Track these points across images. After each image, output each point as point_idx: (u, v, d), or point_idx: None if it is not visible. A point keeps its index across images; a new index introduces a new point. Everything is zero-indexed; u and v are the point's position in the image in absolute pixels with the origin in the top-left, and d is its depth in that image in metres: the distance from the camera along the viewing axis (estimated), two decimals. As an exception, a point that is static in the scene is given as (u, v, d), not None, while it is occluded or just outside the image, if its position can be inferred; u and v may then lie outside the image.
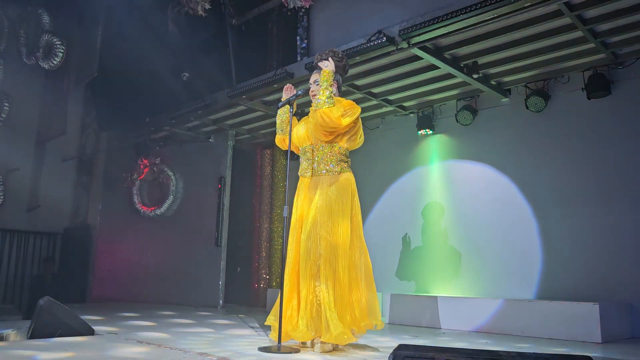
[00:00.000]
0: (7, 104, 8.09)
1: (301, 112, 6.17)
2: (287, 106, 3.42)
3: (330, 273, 3.03)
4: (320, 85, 3.17)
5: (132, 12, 7.65)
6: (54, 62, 7.80)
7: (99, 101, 8.45)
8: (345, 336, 2.93)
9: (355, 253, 3.23)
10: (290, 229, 3.29)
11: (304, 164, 3.35)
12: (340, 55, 3.39)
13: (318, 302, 2.99)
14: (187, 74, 7.21)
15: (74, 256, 8.70)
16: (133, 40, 7.55)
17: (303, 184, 3.34)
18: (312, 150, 3.30)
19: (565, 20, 4.08)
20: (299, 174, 3.37)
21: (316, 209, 3.15)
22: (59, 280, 8.37)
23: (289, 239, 3.26)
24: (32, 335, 3.41)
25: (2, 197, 7.87)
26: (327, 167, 3.25)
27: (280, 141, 3.53)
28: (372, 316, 3.15)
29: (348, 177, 3.30)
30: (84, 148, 9.39)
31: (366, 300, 3.17)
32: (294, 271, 3.17)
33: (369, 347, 3.30)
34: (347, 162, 3.33)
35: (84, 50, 8.81)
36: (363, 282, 3.20)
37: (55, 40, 7.59)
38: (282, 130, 3.48)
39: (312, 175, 3.29)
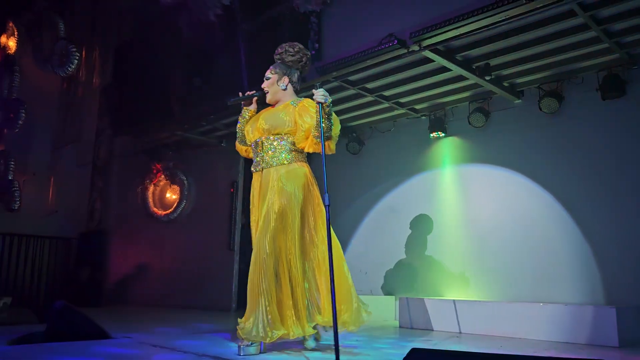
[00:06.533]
0: (23, 111, 8.22)
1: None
2: (243, 119, 3.38)
3: (282, 270, 3.01)
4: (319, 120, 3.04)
5: (145, 19, 7.73)
6: (69, 68, 7.91)
7: (113, 106, 8.54)
8: (291, 334, 2.92)
9: (310, 247, 3.16)
10: (252, 228, 3.24)
11: (256, 159, 3.27)
12: (295, 50, 3.37)
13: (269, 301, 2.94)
14: (199, 79, 7.27)
15: (89, 261, 8.78)
16: (146, 47, 7.64)
17: (255, 179, 3.26)
18: (262, 144, 3.22)
19: (578, 21, 4.03)
20: (253, 169, 3.30)
21: (267, 204, 3.08)
22: (74, 285, 8.46)
23: (253, 239, 3.20)
24: (47, 339, 3.45)
25: (18, 202, 7.98)
26: (278, 159, 3.17)
27: (242, 150, 3.49)
28: (345, 310, 3.07)
29: (300, 166, 3.21)
30: (99, 153, 9.49)
31: (328, 291, 3.08)
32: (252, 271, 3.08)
33: (382, 350, 3.28)
34: (299, 151, 3.23)
35: (98, 56, 8.92)
36: (322, 275, 3.13)
37: (70, 47, 7.69)
38: (243, 142, 3.43)
39: (262, 169, 3.21)
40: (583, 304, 4.41)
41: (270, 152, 3.18)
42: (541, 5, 3.76)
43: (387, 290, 5.94)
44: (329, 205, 2.73)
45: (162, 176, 8.37)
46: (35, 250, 8.38)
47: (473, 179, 5.59)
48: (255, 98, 3.38)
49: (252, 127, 3.32)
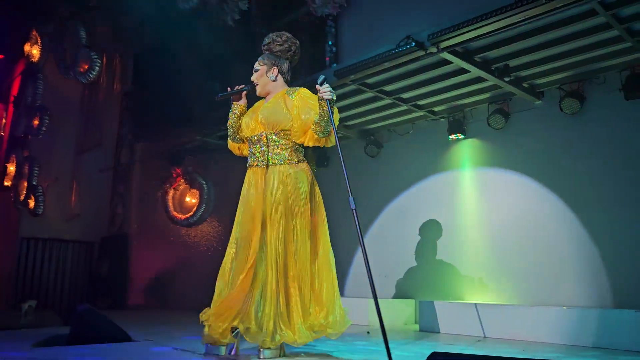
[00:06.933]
0: (46, 117, 8.38)
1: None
2: (234, 115, 3.26)
3: (293, 273, 2.90)
4: (325, 117, 2.93)
5: (164, 26, 7.84)
6: (91, 75, 8.03)
7: (134, 112, 8.67)
8: (299, 339, 2.81)
9: (318, 249, 3.05)
10: (239, 225, 3.08)
11: (256, 154, 3.10)
12: (282, 39, 3.24)
13: (280, 304, 2.85)
14: (217, 84, 7.34)
15: (111, 264, 8.91)
16: (165, 53, 7.74)
17: (255, 175, 3.11)
18: (266, 139, 3.07)
19: (599, 20, 3.97)
20: (250, 164, 3.15)
21: (274, 204, 2.95)
22: (97, 288, 8.59)
23: (236, 235, 3.06)
24: (71, 342, 3.50)
25: (42, 207, 8.13)
26: (284, 157, 3.04)
27: (235, 148, 3.38)
28: (325, 315, 2.97)
29: (306, 167, 3.11)
30: (120, 158, 9.63)
31: (327, 299, 3.00)
32: (247, 270, 2.93)
33: (402, 354, 3.25)
34: (302, 151, 3.14)
35: (119, 63, 9.07)
36: (324, 281, 3.03)
37: (92, 54, 7.82)
38: (235, 139, 3.31)
39: (267, 166, 3.06)
40: (608, 307, 4.33)
41: (276, 149, 3.05)
42: (561, 4, 3.71)
43: (407, 294, 5.90)
44: (355, 209, 2.68)
45: (182, 180, 8.46)
46: (58, 254, 8.53)
47: (493, 181, 5.54)
48: (244, 92, 3.26)
49: (250, 118, 3.16)
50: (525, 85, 5.12)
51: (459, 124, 5.76)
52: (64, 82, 8.65)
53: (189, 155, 8.35)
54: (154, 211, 8.86)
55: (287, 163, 3.04)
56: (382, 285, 6.00)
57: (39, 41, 9.03)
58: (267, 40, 3.27)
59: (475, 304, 4.66)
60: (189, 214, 8.20)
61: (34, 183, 8.28)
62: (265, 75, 3.19)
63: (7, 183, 9.26)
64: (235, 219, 3.13)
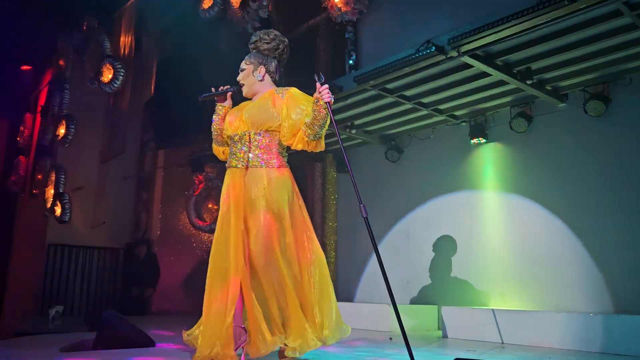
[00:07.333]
0: (72, 126, 8.57)
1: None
2: (217, 116, 3.12)
3: (280, 283, 2.78)
4: (319, 122, 2.82)
5: (187, 34, 7.96)
6: (115, 84, 8.19)
7: (157, 120, 8.80)
8: (311, 343, 2.71)
9: (308, 256, 2.91)
10: (221, 229, 2.91)
11: (237, 154, 2.93)
12: (270, 37, 3.11)
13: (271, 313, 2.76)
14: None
15: (136, 270, 9.04)
16: (187, 60, 7.86)
17: (234, 176, 2.92)
18: (249, 139, 2.92)
19: (625, 20, 3.89)
20: (230, 165, 2.98)
21: (256, 211, 2.81)
22: (122, 294, 8.72)
23: (218, 239, 2.93)
24: (96, 346, 3.56)
25: (68, 214, 8.30)
26: (266, 159, 2.89)
27: (219, 153, 3.20)
28: (326, 325, 2.86)
29: (287, 172, 2.95)
30: (143, 166, 9.78)
31: (324, 308, 2.88)
32: (225, 275, 2.88)
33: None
34: (286, 156, 3.00)
35: (142, 72, 9.23)
36: (321, 289, 2.89)
37: (115, 64, 7.98)
38: (219, 142, 3.14)
39: (247, 167, 2.89)
40: (627, 313, 4.22)
41: (258, 149, 2.89)
42: (584, 5, 3.65)
43: (429, 300, 5.85)
44: (366, 217, 2.61)
45: (204, 187, 8.55)
46: (84, 261, 8.71)
47: (515, 186, 5.46)
48: (230, 93, 3.12)
49: (234, 117, 3.00)
50: (548, 87, 5.05)
51: (480, 128, 5.70)
52: (89, 92, 8.84)
53: (211, 162, 8.44)
54: (177, 217, 8.97)
55: (269, 166, 2.88)
56: (404, 291, 5.96)
57: (65, 52, 9.26)
58: (254, 38, 3.15)
59: (499, 310, 4.59)
60: (211, 220, 8.27)
61: (61, 191, 8.47)
62: (251, 75, 3.05)
63: (34, 191, 9.50)
64: (217, 228, 2.96)
